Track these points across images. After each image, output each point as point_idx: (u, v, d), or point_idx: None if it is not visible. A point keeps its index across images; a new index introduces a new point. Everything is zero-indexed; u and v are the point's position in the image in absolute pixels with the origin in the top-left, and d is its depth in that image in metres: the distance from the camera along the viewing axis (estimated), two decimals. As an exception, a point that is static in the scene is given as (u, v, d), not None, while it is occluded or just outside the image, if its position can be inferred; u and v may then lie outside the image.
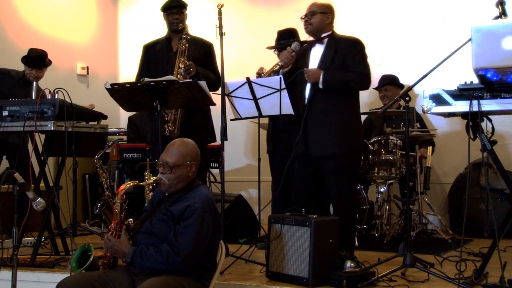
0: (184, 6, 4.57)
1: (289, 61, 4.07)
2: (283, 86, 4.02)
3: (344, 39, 4.12)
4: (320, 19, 4.10)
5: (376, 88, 5.64)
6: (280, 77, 4.02)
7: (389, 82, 5.57)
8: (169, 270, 2.76)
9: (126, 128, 6.31)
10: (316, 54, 4.13)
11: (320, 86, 3.97)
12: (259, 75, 4.23)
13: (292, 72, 4.10)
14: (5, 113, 3.98)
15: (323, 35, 4.12)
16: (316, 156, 4.02)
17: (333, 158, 3.96)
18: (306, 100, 4.03)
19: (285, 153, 4.55)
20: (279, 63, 4.09)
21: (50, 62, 5.27)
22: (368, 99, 6.14)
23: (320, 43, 4.13)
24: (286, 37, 5.00)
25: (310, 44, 4.20)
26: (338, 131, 3.98)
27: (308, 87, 4.04)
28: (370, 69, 4.11)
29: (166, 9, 4.57)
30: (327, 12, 4.13)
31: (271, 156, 5.05)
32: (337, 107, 4.02)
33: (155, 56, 4.60)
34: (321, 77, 3.95)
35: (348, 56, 4.03)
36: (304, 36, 4.43)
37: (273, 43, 5.12)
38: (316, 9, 4.12)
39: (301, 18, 4.18)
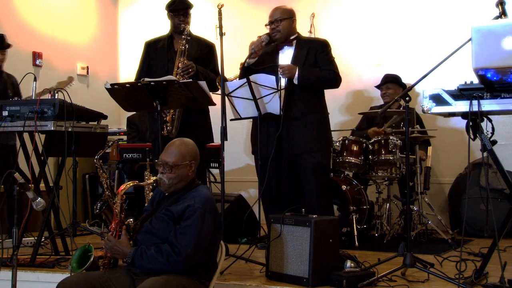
0: (190, 7, 4.56)
1: (259, 50, 4.20)
2: (283, 86, 4.03)
3: (313, 40, 4.39)
4: (287, 24, 4.28)
5: (377, 86, 5.64)
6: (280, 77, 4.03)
7: (391, 80, 5.56)
8: (169, 270, 2.76)
9: (126, 128, 6.31)
10: (285, 55, 4.28)
11: (295, 81, 4.11)
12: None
13: (259, 66, 4.21)
14: (5, 113, 3.97)
15: (291, 37, 4.30)
16: (294, 154, 4.16)
17: (311, 155, 4.14)
18: (281, 100, 4.12)
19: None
20: (250, 51, 4.20)
21: (10, 45, 5.21)
22: (368, 97, 6.14)
23: (289, 45, 4.29)
24: None
25: (278, 46, 4.32)
26: (315, 129, 4.18)
27: (282, 85, 4.12)
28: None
29: (172, 10, 4.55)
30: (291, 16, 4.32)
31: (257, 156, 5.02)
32: (312, 107, 4.22)
33: (156, 54, 4.58)
34: (297, 72, 4.10)
35: (320, 55, 4.22)
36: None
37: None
38: (280, 15, 4.28)
39: (266, 26, 4.33)
